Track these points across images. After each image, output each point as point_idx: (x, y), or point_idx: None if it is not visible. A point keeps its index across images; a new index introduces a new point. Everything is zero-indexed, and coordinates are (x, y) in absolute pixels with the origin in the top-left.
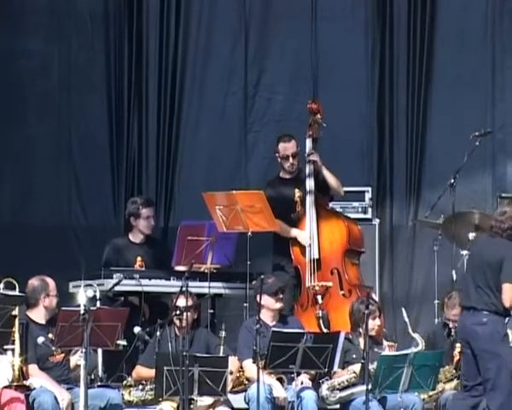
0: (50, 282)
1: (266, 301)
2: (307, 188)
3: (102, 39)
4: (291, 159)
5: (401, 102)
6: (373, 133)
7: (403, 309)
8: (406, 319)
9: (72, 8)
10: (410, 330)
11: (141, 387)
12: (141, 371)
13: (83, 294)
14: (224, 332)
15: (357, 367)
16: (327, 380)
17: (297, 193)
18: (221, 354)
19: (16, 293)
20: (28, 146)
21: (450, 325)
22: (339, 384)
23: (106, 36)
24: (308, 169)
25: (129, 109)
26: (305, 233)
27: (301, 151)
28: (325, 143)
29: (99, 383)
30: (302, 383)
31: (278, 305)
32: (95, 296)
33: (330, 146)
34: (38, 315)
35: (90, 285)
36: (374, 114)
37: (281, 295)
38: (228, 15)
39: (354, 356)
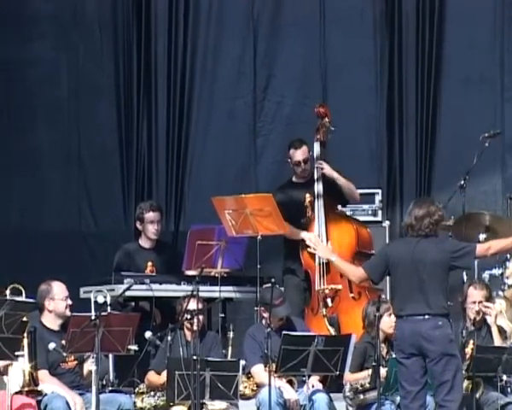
0: (56, 286)
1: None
2: (316, 192)
3: (111, 46)
4: (302, 164)
5: (410, 104)
6: (382, 135)
7: None
8: None
9: (81, 15)
10: None
11: (153, 393)
12: (152, 378)
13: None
14: (232, 333)
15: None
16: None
17: (308, 198)
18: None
19: (24, 299)
20: (38, 153)
21: (477, 308)
22: (361, 387)
23: (114, 42)
24: (317, 173)
25: (138, 115)
26: (313, 235)
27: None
28: (335, 146)
29: (110, 388)
30: (313, 386)
31: (280, 323)
32: (105, 302)
33: (340, 149)
34: (49, 320)
35: (101, 291)
36: (383, 117)
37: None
38: (236, 20)
39: (374, 364)
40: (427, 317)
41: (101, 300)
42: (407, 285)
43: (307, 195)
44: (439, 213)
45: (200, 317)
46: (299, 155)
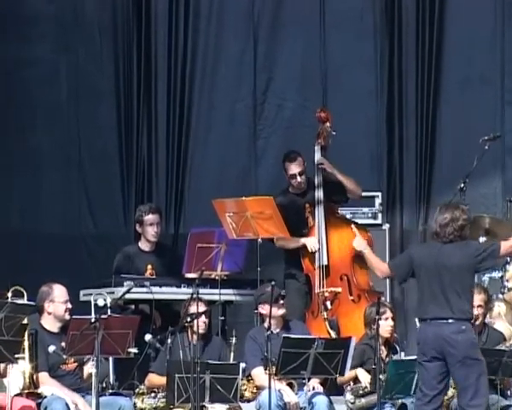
0: (56, 288)
1: (268, 310)
2: (316, 198)
3: (111, 48)
4: (298, 177)
5: (410, 106)
6: (382, 138)
7: (416, 320)
8: None
9: (80, 17)
10: None
11: (153, 395)
12: (153, 379)
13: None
14: (234, 339)
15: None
16: (350, 385)
17: (307, 208)
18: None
19: (25, 302)
20: (38, 155)
21: (475, 313)
22: (362, 390)
23: (114, 44)
24: (317, 180)
25: (138, 117)
26: (313, 239)
27: (310, 160)
28: (335, 149)
29: (110, 391)
30: (314, 388)
31: (281, 311)
32: (105, 305)
33: (340, 152)
34: (49, 323)
35: (101, 294)
36: (383, 119)
37: (281, 301)
38: (236, 22)
39: (374, 366)
40: (450, 321)
41: (101, 303)
42: (430, 289)
43: (307, 205)
44: (463, 218)
45: (206, 319)
46: (294, 168)
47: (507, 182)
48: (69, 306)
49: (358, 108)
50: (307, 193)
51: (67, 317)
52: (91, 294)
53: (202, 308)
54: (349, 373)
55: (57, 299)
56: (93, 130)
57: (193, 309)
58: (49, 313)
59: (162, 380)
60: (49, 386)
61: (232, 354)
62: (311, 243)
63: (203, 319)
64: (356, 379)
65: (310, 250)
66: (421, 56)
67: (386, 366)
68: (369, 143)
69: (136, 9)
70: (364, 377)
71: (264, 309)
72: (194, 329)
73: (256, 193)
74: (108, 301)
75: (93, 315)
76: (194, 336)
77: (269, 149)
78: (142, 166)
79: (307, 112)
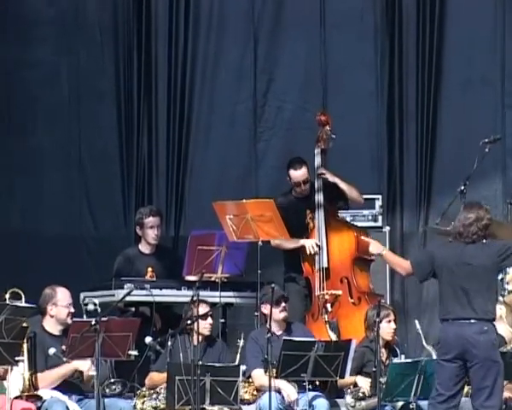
0: (60, 291)
1: (270, 311)
2: (316, 202)
3: (111, 49)
4: (302, 185)
5: (411, 108)
6: (383, 140)
7: (416, 322)
8: (420, 331)
9: (81, 18)
10: (424, 343)
11: (154, 396)
12: (154, 376)
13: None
14: (242, 341)
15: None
16: (350, 388)
17: (309, 214)
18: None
19: (24, 304)
20: (38, 156)
21: None
22: (362, 394)
23: (115, 46)
24: (317, 184)
25: (138, 119)
26: (313, 240)
27: (310, 162)
28: (335, 151)
29: (114, 389)
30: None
31: (282, 315)
32: (96, 309)
33: (340, 154)
34: (50, 325)
35: (90, 298)
36: (383, 121)
37: (283, 304)
38: (237, 24)
39: (374, 369)
40: (472, 321)
41: (91, 307)
42: (452, 289)
43: (308, 211)
44: (487, 217)
45: (211, 321)
46: (298, 176)
47: (507, 184)
48: (72, 310)
49: (359, 110)
50: (310, 197)
51: (69, 321)
52: (92, 297)
53: (206, 310)
54: (349, 378)
55: (60, 302)
56: (93, 130)
57: (199, 311)
58: (52, 316)
59: (163, 377)
60: (45, 380)
61: (238, 356)
62: (309, 244)
63: (209, 320)
64: (356, 384)
65: (308, 252)
66: (422, 57)
67: (386, 369)
68: (369, 144)
69: (136, 10)
70: (364, 384)
71: (266, 309)
72: (197, 331)
73: (256, 195)
74: (98, 304)
75: (84, 318)
76: (195, 338)
77: (269, 151)
78: (142, 167)
79: (308, 114)
